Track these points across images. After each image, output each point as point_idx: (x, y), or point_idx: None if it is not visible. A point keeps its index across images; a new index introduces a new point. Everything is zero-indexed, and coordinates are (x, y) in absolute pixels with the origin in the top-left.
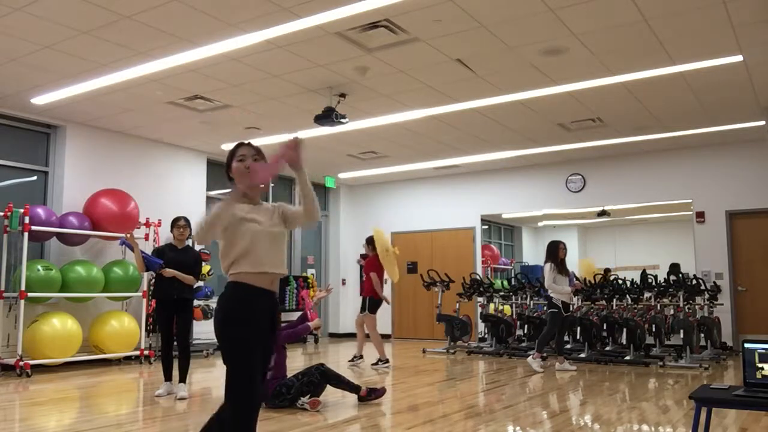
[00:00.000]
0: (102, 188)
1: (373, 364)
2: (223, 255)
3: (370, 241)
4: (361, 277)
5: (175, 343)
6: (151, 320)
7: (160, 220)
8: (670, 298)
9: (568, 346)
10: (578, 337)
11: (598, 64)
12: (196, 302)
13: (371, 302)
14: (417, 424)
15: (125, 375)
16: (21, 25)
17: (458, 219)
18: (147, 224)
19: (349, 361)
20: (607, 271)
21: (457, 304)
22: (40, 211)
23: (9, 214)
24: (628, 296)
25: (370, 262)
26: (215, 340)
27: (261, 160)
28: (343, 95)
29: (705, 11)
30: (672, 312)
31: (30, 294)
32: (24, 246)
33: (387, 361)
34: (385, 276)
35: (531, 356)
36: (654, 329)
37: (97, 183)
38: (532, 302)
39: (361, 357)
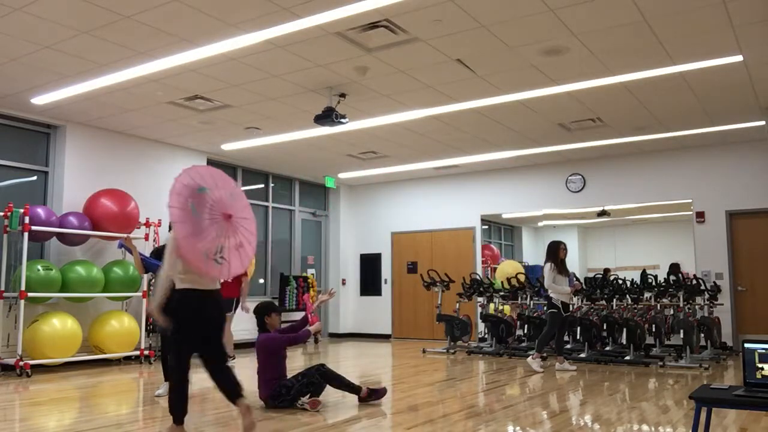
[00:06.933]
0: (102, 188)
1: None
2: None
3: None
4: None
5: None
6: (151, 320)
7: (160, 220)
8: (670, 298)
9: (568, 346)
10: (578, 337)
11: (598, 64)
12: None
13: (237, 302)
14: (417, 425)
15: (125, 375)
16: (21, 25)
17: (458, 219)
18: (147, 224)
19: None
20: (606, 271)
21: (457, 304)
22: (40, 211)
23: (9, 214)
24: (628, 296)
25: None
26: None
27: None
28: (343, 95)
29: (705, 11)
30: (672, 312)
31: (30, 294)
32: (24, 246)
33: (233, 357)
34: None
35: (531, 356)
36: (654, 329)
37: (97, 183)
38: (532, 302)
39: (233, 357)
